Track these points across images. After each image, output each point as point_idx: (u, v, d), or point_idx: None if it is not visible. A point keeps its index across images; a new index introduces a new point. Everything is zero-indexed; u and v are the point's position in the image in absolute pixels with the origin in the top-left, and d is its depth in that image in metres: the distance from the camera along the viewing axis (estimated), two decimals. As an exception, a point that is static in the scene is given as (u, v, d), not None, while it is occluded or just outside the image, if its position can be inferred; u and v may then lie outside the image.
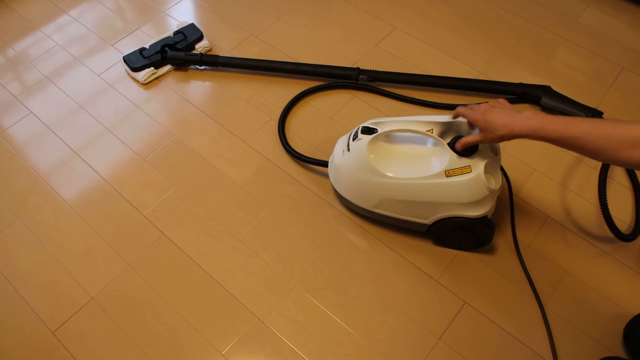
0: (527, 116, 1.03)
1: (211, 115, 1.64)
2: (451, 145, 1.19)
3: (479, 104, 1.15)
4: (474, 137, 1.13)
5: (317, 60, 1.77)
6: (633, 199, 1.48)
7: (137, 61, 1.73)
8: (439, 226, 1.29)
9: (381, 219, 1.37)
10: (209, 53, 1.81)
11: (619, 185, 1.50)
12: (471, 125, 1.19)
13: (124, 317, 1.27)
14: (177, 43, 1.77)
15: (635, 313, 1.25)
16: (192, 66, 1.78)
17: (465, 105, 1.19)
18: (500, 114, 1.07)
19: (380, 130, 1.23)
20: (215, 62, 1.73)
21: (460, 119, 1.19)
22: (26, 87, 1.72)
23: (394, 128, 1.23)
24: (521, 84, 1.67)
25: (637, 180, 1.50)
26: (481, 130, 1.10)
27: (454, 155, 1.17)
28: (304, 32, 1.89)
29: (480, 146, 1.18)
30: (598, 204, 1.37)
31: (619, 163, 0.95)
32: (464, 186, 1.17)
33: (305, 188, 1.48)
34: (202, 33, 1.82)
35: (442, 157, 1.19)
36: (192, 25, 1.84)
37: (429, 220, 1.29)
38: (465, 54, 1.82)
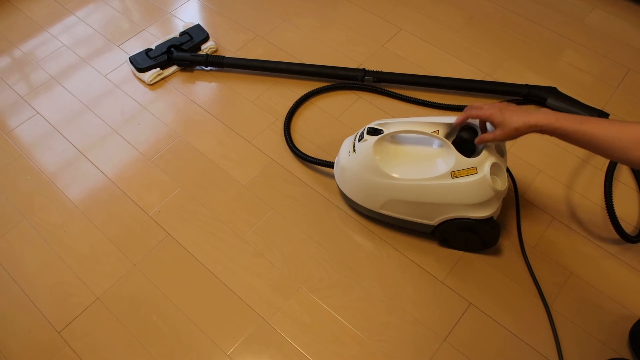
0: (542, 111, 1.05)
1: (217, 116, 1.65)
2: (456, 145, 1.19)
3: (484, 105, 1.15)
4: (491, 134, 1.13)
5: (323, 61, 1.77)
6: (639, 201, 1.47)
7: (143, 62, 1.73)
8: (444, 227, 1.29)
9: (387, 220, 1.37)
10: (215, 54, 1.82)
11: (625, 187, 1.50)
12: (482, 126, 1.19)
13: (129, 318, 1.27)
14: (183, 44, 1.78)
15: (642, 315, 1.25)
16: (198, 67, 1.78)
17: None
18: (516, 111, 1.08)
19: (386, 131, 1.23)
20: (221, 63, 1.74)
21: (469, 121, 1.20)
22: (33, 87, 1.73)
23: (399, 129, 1.23)
24: (527, 85, 1.66)
25: (644, 181, 1.50)
26: (496, 126, 1.10)
27: (460, 156, 1.16)
28: (310, 33, 1.89)
29: (485, 148, 1.18)
30: (604, 206, 1.37)
31: (629, 162, 0.96)
32: (469, 187, 1.17)
33: (310, 189, 1.48)
34: (208, 34, 1.82)
35: (447, 158, 1.19)
36: (198, 26, 1.84)
37: (434, 221, 1.28)
38: (470, 55, 1.82)
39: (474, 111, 1.15)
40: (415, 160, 1.25)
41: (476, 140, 1.17)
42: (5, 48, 1.85)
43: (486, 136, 1.14)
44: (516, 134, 1.08)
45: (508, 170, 1.33)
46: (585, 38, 1.89)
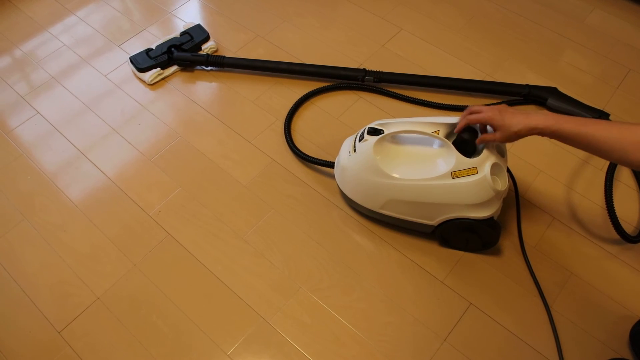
0: (542, 114, 1.06)
1: (217, 116, 1.65)
2: (457, 145, 1.19)
3: (487, 105, 1.15)
4: (492, 135, 1.13)
5: (323, 61, 1.77)
6: (639, 201, 1.47)
7: (143, 62, 1.73)
8: (444, 227, 1.29)
9: (387, 220, 1.37)
10: (216, 54, 1.82)
11: (626, 187, 1.49)
12: (482, 127, 1.19)
13: (129, 318, 1.27)
14: (183, 44, 1.78)
15: (642, 315, 1.25)
16: (198, 67, 1.78)
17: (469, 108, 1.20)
18: (515, 114, 1.09)
19: (386, 132, 1.23)
20: (221, 63, 1.74)
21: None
22: (33, 87, 1.73)
23: (400, 129, 1.23)
24: (527, 86, 1.66)
25: (644, 182, 1.50)
26: (497, 128, 1.11)
27: (460, 156, 1.16)
28: (310, 33, 1.89)
29: (486, 148, 1.18)
30: (604, 206, 1.37)
31: (629, 164, 0.97)
32: (470, 187, 1.17)
33: (311, 189, 1.48)
34: (208, 34, 1.82)
35: (448, 158, 1.19)
36: (198, 26, 1.84)
37: (434, 221, 1.28)
38: (471, 55, 1.82)
39: (473, 116, 1.15)
40: (416, 160, 1.25)
41: (478, 140, 1.17)
42: (5, 48, 1.85)
43: (487, 136, 1.15)
44: (516, 136, 1.09)
45: (508, 171, 1.33)
46: (585, 38, 1.88)
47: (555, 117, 1.03)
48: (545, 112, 1.06)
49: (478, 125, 1.21)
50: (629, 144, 0.94)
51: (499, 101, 1.66)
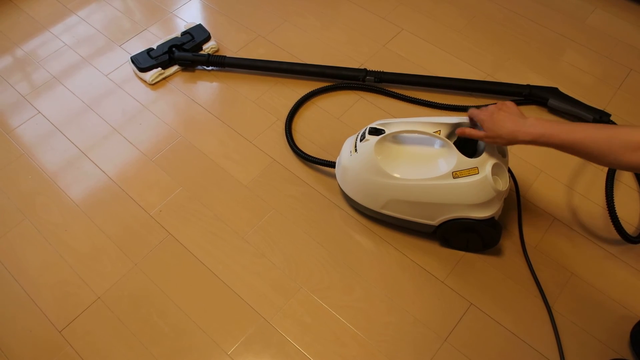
0: (531, 123, 1.05)
1: (218, 115, 1.65)
2: (458, 145, 1.19)
3: (487, 105, 1.15)
4: (477, 131, 1.14)
5: (324, 61, 1.77)
6: (641, 201, 1.47)
7: (144, 62, 1.73)
8: (445, 227, 1.29)
9: (388, 220, 1.37)
10: (217, 54, 1.82)
11: (627, 187, 1.49)
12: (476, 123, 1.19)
13: (130, 317, 1.27)
14: (184, 44, 1.78)
15: (643, 316, 1.25)
16: (199, 67, 1.78)
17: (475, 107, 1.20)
18: (507, 119, 1.08)
19: (387, 131, 1.23)
20: (222, 63, 1.74)
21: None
22: (34, 87, 1.73)
23: (401, 129, 1.23)
24: (528, 86, 1.66)
25: (645, 182, 1.50)
26: (486, 131, 1.11)
27: (462, 156, 1.16)
28: (311, 33, 1.89)
29: (487, 148, 1.18)
30: (605, 206, 1.37)
31: (621, 167, 0.96)
32: (471, 187, 1.17)
33: (311, 189, 1.48)
34: (209, 34, 1.82)
35: (449, 158, 1.19)
36: (199, 26, 1.84)
37: (435, 221, 1.28)
38: (472, 55, 1.82)
39: (473, 110, 1.17)
40: (417, 160, 1.25)
41: (457, 130, 1.17)
42: (7, 47, 1.86)
43: (471, 131, 1.15)
44: (503, 144, 1.11)
45: (509, 171, 1.33)
46: (586, 38, 1.88)
47: (544, 126, 1.02)
48: (534, 121, 1.04)
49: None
50: (617, 147, 0.93)
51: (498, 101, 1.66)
